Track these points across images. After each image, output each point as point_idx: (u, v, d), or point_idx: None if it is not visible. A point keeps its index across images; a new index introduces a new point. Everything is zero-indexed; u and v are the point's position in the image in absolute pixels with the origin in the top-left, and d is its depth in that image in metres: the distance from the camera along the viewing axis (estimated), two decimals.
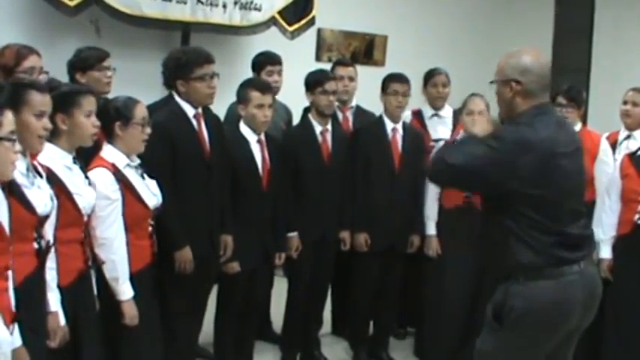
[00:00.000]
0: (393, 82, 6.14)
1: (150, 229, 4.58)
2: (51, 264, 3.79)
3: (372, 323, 6.45)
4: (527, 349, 4.02)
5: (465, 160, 3.93)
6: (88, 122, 4.10)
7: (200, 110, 5.14)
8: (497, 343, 4.05)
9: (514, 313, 3.94)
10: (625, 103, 6.31)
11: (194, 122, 5.10)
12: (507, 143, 3.91)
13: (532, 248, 3.92)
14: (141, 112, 4.51)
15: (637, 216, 5.59)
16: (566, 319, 3.99)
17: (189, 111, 5.09)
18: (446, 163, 3.98)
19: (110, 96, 5.06)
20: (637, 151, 5.78)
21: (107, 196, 4.26)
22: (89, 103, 4.12)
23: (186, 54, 5.18)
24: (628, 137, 6.26)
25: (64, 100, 4.01)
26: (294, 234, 5.79)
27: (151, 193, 4.55)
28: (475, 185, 4.06)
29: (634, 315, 5.56)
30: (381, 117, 6.23)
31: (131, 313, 4.35)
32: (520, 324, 3.95)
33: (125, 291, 4.34)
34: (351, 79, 6.66)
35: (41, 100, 3.68)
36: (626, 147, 6.12)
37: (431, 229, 6.19)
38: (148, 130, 4.54)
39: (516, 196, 3.88)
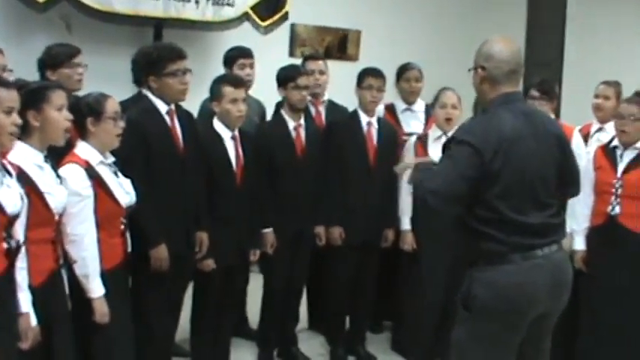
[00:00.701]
0: (369, 77, 6.14)
1: (122, 227, 4.54)
2: (21, 264, 3.75)
3: (348, 318, 6.44)
4: (498, 335, 4.04)
5: (444, 180, 3.95)
6: (59, 116, 4.08)
7: (173, 107, 5.11)
8: (469, 332, 4.09)
9: (478, 301, 4.00)
10: (596, 96, 6.34)
11: (167, 119, 5.07)
12: (461, 140, 3.99)
13: (489, 237, 3.98)
14: (112, 106, 4.48)
15: (610, 207, 5.63)
16: (530, 303, 4.01)
17: (162, 108, 5.06)
18: (430, 190, 3.96)
19: (81, 93, 5.02)
20: (610, 143, 5.82)
21: (78, 192, 4.22)
22: (59, 98, 4.10)
23: (157, 49, 5.16)
24: (599, 130, 6.29)
25: (33, 97, 3.99)
26: (269, 230, 5.78)
27: (124, 191, 4.53)
28: (468, 194, 3.97)
29: (607, 305, 5.59)
30: (355, 111, 6.23)
31: (102, 311, 4.32)
32: (485, 311, 3.99)
33: (95, 288, 4.30)
34: (322, 72, 6.65)
35: (8, 96, 3.65)
36: (598, 139, 6.15)
37: (406, 224, 6.21)
38: (122, 124, 4.52)
39: (482, 187, 3.93)
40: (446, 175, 3.95)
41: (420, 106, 6.77)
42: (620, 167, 5.68)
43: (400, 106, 6.78)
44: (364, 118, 6.16)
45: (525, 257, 3.99)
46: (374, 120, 6.19)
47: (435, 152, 6.04)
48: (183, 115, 5.23)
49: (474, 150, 3.90)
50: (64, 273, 4.18)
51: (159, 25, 7.51)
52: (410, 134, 6.47)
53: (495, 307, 3.97)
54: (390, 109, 6.77)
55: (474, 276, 4.04)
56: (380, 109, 6.54)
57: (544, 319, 4.14)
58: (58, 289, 4.13)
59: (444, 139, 6.02)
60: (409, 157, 4.66)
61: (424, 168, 4.25)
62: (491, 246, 3.98)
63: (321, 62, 6.74)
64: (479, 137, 3.94)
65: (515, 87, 4.19)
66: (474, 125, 4.12)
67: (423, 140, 6.20)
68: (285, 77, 5.90)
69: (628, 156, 5.68)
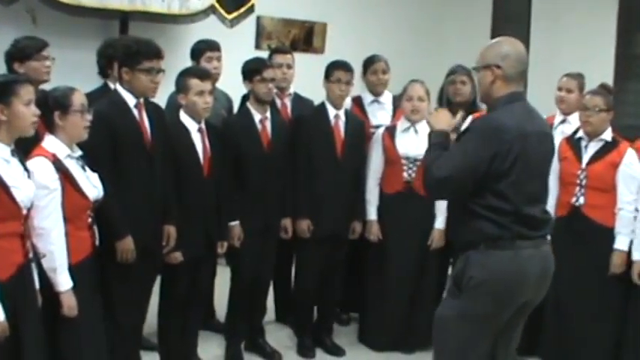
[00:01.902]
0: (337, 70, 6.15)
1: (89, 220, 4.54)
2: None
3: (315, 310, 6.46)
4: (484, 316, 4.22)
5: (455, 166, 4.11)
6: (27, 111, 4.06)
7: (142, 100, 5.10)
8: (457, 309, 4.27)
9: (473, 281, 4.18)
10: (559, 89, 6.37)
11: (135, 112, 5.06)
12: (484, 130, 4.16)
13: (493, 222, 4.15)
14: (79, 99, 4.47)
15: (574, 198, 5.70)
16: (520, 289, 4.22)
17: (131, 101, 5.05)
18: (438, 179, 4.15)
19: (48, 86, 5.01)
20: (574, 134, 5.87)
21: (46, 185, 4.21)
22: (27, 92, 4.08)
23: (138, 44, 5.12)
24: (563, 122, 6.32)
25: (1, 90, 3.98)
26: (235, 223, 5.77)
27: (91, 184, 4.52)
28: (473, 182, 4.13)
29: (571, 295, 5.65)
30: (323, 104, 6.24)
31: (70, 304, 4.31)
32: (478, 291, 4.17)
33: (63, 282, 4.29)
34: (289, 66, 6.65)
35: None
36: (562, 131, 6.19)
37: (372, 214, 6.26)
38: (89, 116, 4.51)
39: (494, 177, 4.10)
40: (456, 165, 4.11)
41: (387, 98, 6.80)
42: (585, 158, 5.74)
43: (367, 98, 6.80)
44: (332, 111, 6.17)
45: (523, 246, 4.19)
46: (341, 113, 6.20)
47: (403, 143, 6.11)
48: (152, 109, 5.22)
49: (490, 143, 4.08)
50: (34, 267, 4.17)
51: (125, 18, 7.50)
52: (377, 126, 6.50)
53: (490, 288, 4.16)
54: (358, 101, 6.79)
55: (472, 258, 4.21)
56: (347, 102, 6.55)
57: (525, 306, 4.35)
58: (28, 283, 4.11)
59: (411, 131, 6.10)
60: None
61: (437, 143, 4.37)
62: (494, 231, 4.15)
63: (288, 56, 6.74)
64: (496, 131, 4.11)
65: (522, 86, 4.42)
66: (492, 119, 4.26)
67: (390, 132, 6.24)
68: (251, 70, 5.88)
69: (593, 147, 5.75)
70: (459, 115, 4.76)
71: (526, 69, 4.40)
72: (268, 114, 5.93)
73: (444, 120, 4.49)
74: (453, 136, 4.88)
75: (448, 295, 4.46)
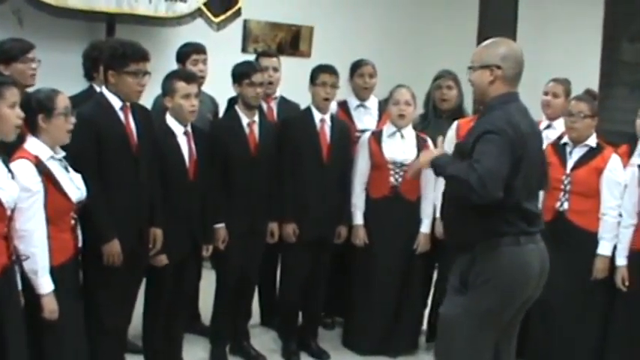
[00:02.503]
0: (322, 74, 6.15)
1: (73, 222, 4.54)
2: None
3: (300, 314, 6.46)
4: (491, 313, 4.32)
5: (490, 168, 4.10)
6: (12, 114, 4.07)
7: (128, 103, 5.09)
8: (464, 307, 4.35)
9: (480, 278, 4.30)
10: (546, 94, 6.39)
11: (121, 115, 5.05)
12: (497, 131, 4.20)
13: (501, 218, 4.26)
14: (63, 102, 4.47)
15: (558, 203, 5.72)
16: (526, 284, 4.37)
17: (116, 103, 5.04)
18: (481, 186, 4.07)
19: (33, 88, 5.00)
20: (559, 139, 5.89)
21: (28, 187, 4.19)
22: (12, 95, 4.08)
23: (124, 46, 5.11)
24: (548, 127, 6.33)
25: None
26: (221, 225, 5.77)
27: (75, 186, 4.51)
28: (506, 176, 4.17)
29: (555, 299, 5.66)
30: (309, 108, 6.24)
31: (50, 307, 4.30)
32: (486, 287, 4.29)
33: (44, 284, 4.28)
34: (276, 69, 6.64)
35: None
36: (547, 136, 6.20)
37: (358, 219, 6.27)
38: (72, 119, 4.50)
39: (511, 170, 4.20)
40: (497, 160, 4.13)
41: (372, 102, 6.79)
42: (570, 164, 5.76)
43: (353, 102, 6.79)
44: (317, 115, 6.17)
45: (527, 241, 4.34)
46: (327, 117, 6.20)
47: (389, 148, 6.12)
48: (140, 111, 5.21)
49: (509, 139, 4.18)
50: (17, 269, 4.16)
51: (111, 20, 7.49)
52: (363, 131, 6.50)
53: (498, 284, 4.28)
54: (343, 105, 6.78)
55: (479, 255, 4.32)
56: (333, 106, 6.56)
57: (525, 303, 4.47)
58: (11, 285, 4.10)
59: (397, 135, 6.11)
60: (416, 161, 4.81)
61: (445, 161, 4.44)
62: (503, 227, 4.28)
63: (275, 59, 6.73)
64: (508, 129, 4.21)
65: (517, 87, 4.51)
66: (498, 119, 4.28)
67: (377, 136, 6.25)
68: (240, 74, 5.89)
69: (577, 153, 5.77)
70: (440, 139, 4.83)
71: (522, 70, 4.47)
72: (256, 117, 5.93)
73: (430, 153, 4.66)
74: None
75: (452, 293, 4.51)
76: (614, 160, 5.74)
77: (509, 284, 4.30)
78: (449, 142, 6.10)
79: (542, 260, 4.43)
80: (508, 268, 4.28)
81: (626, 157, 6.01)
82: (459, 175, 4.20)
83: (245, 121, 5.87)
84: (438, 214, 6.11)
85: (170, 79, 5.46)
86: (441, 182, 5.21)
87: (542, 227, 4.49)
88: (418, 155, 5.97)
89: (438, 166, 4.43)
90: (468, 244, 4.40)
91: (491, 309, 4.32)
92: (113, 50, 5.08)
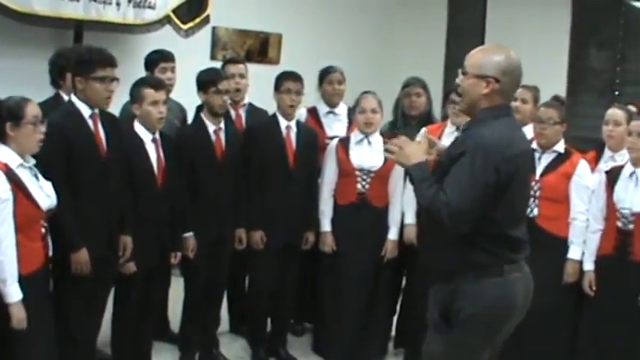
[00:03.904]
0: (286, 81, 6.16)
1: (43, 230, 4.50)
2: None
3: (269, 320, 6.45)
4: (478, 347, 4.10)
5: (468, 195, 3.84)
6: None
7: (97, 111, 5.07)
8: (448, 344, 4.08)
9: (463, 314, 4.00)
10: (515, 99, 6.41)
11: (90, 123, 5.04)
12: (482, 151, 3.86)
13: (483, 250, 3.97)
14: (32, 111, 4.43)
15: (528, 209, 5.71)
16: (511, 315, 4.10)
17: (86, 111, 5.02)
18: (445, 214, 3.83)
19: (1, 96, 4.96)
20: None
21: None
22: None
23: (91, 52, 5.10)
24: None
25: None
26: (190, 234, 5.76)
27: (44, 194, 4.48)
28: (483, 205, 3.88)
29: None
30: (274, 115, 6.24)
31: (19, 316, 4.26)
32: (470, 324, 4.00)
33: (12, 293, 4.25)
34: (242, 76, 6.64)
35: None
36: None
37: (326, 226, 6.26)
38: (42, 129, 4.47)
39: (491, 200, 3.89)
40: (468, 195, 3.83)
41: (342, 109, 6.80)
42: (539, 170, 5.77)
43: (323, 109, 6.80)
44: (283, 122, 6.17)
45: (510, 270, 4.04)
46: (293, 124, 6.20)
47: (357, 155, 6.12)
48: (108, 119, 5.20)
49: (491, 163, 3.84)
50: None
51: (79, 27, 7.44)
52: (332, 137, 6.49)
53: (481, 319, 4.00)
54: (313, 112, 6.80)
55: (460, 288, 4.01)
56: (302, 113, 6.56)
57: (508, 332, 4.23)
58: None
59: (365, 142, 6.11)
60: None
61: (419, 176, 4.02)
62: (483, 258, 3.98)
63: (241, 66, 6.72)
64: (492, 150, 3.87)
65: (510, 100, 4.27)
66: (483, 137, 3.92)
67: (344, 143, 6.25)
68: (205, 81, 5.87)
69: (546, 159, 5.79)
70: (422, 136, 4.58)
71: (520, 84, 4.21)
72: (222, 125, 5.92)
73: (416, 152, 4.14)
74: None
75: (434, 329, 4.17)
76: (583, 166, 5.77)
77: (494, 319, 4.04)
78: None
79: (526, 287, 4.15)
80: (492, 303, 3.98)
81: (594, 162, 6.08)
82: (427, 200, 3.92)
83: (211, 128, 5.87)
84: (406, 221, 6.13)
85: (138, 86, 5.44)
86: (409, 189, 5.21)
87: (527, 253, 4.18)
88: (385, 162, 6.00)
89: (414, 171, 4.04)
90: (446, 273, 4.08)
91: (476, 346, 4.08)
92: (80, 56, 5.07)
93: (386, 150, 4.29)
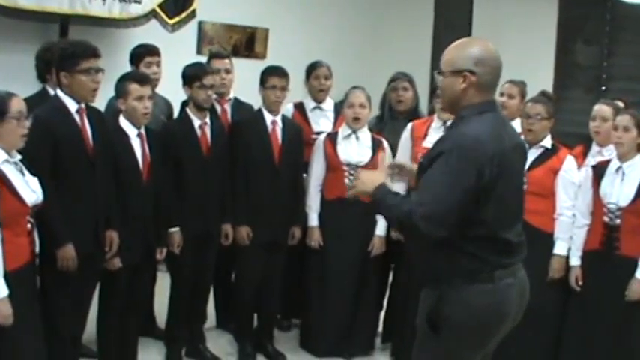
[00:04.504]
0: (272, 76, 6.15)
1: (29, 226, 4.47)
2: None
3: (256, 316, 6.45)
4: (467, 355, 3.91)
5: (443, 199, 3.64)
6: None
7: (83, 105, 5.05)
8: (436, 352, 3.89)
9: (452, 322, 3.78)
10: (501, 94, 6.39)
11: (77, 118, 5.02)
12: (461, 151, 3.66)
13: (472, 255, 3.74)
14: (17, 106, 4.38)
15: None
16: (504, 321, 3.89)
17: (72, 106, 5.00)
18: (417, 217, 3.63)
19: None
20: None
21: None
22: None
23: (73, 45, 5.08)
24: None
25: None
26: (175, 229, 5.75)
27: (30, 189, 4.45)
28: (464, 208, 3.65)
29: None
30: (260, 110, 6.23)
31: (5, 313, 4.22)
32: (459, 332, 3.80)
33: None
34: (228, 71, 6.63)
35: None
36: None
37: (313, 221, 6.28)
38: (27, 124, 4.44)
39: (475, 203, 3.68)
40: (444, 197, 3.63)
41: (329, 104, 6.80)
42: (525, 165, 5.77)
43: (309, 104, 6.80)
44: (268, 117, 6.17)
45: (502, 276, 3.81)
46: (278, 119, 6.20)
47: (344, 150, 6.12)
48: (94, 114, 5.17)
49: (473, 162, 3.64)
50: None
51: (65, 21, 7.41)
52: (319, 133, 6.50)
53: (470, 327, 3.79)
54: (299, 107, 6.80)
55: (447, 295, 3.78)
56: (288, 108, 6.55)
57: (501, 335, 4.03)
58: None
59: (353, 137, 6.11)
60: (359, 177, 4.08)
61: (384, 196, 3.83)
62: (471, 264, 3.76)
63: (226, 60, 6.71)
64: (475, 149, 3.66)
65: (494, 94, 4.01)
66: (464, 136, 3.73)
67: (332, 138, 6.25)
68: (191, 76, 5.87)
69: (533, 154, 5.78)
70: (382, 155, 4.42)
71: (500, 74, 3.94)
72: (208, 119, 5.91)
73: (373, 178, 3.95)
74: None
75: (422, 337, 3.94)
76: (569, 161, 5.78)
77: (484, 328, 3.83)
78: (404, 143, 6.14)
79: (521, 291, 3.94)
80: (481, 311, 3.77)
81: (581, 158, 6.08)
82: (398, 214, 3.74)
83: (197, 123, 5.86)
84: None
85: (123, 81, 5.42)
86: (398, 186, 5.19)
87: (523, 255, 3.98)
88: (373, 157, 6.00)
89: (376, 195, 3.85)
90: (433, 279, 3.86)
91: (465, 354, 3.88)
92: (63, 51, 5.04)
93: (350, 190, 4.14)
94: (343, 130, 6.25)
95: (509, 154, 3.79)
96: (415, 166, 4.28)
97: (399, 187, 4.35)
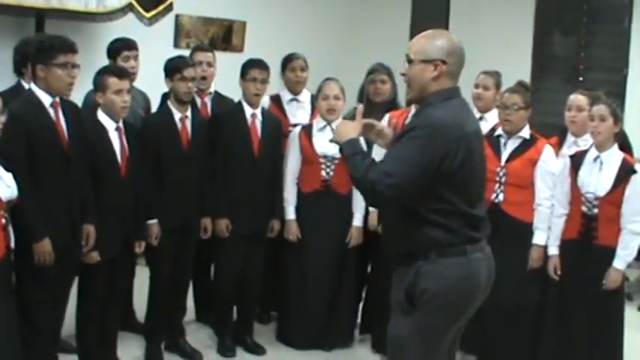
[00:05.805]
0: (252, 69, 6.14)
1: (3, 221, 4.47)
2: None
3: (235, 309, 6.44)
4: (443, 328, 4.07)
5: (404, 171, 3.83)
6: None
7: (57, 99, 5.03)
8: (413, 325, 4.04)
9: (427, 294, 3.96)
10: (476, 86, 6.41)
11: (51, 112, 4.99)
12: (428, 130, 3.88)
13: (443, 228, 3.95)
14: None
15: (494, 195, 5.74)
16: (475, 295, 4.09)
17: (46, 100, 4.97)
18: (384, 185, 3.81)
19: None
20: (492, 131, 5.92)
21: None
22: None
23: (50, 39, 5.07)
24: (480, 119, 6.34)
25: None
26: (153, 221, 5.73)
27: (5, 184, 4.45)
28: (422, 187, 3.88)
29: (492, 290, 5.69)
30: (239, 103, 6.23)
31: None
32: (434, 304, 3.97)
33: None
34: (210, 64, 6.63)
35: None
36: None
37: (290, 214, 6.29)
38: (2, 119, 4.43)
39: (441, 179, 3.90)
40: (406, 171, 3.83)
41: (305, 96, 6.81)
42: (504, 155, 5.79)
43: (286, 96, 6.81)
44: (248, 110, 6.16)
45: (473, 249, 4.03)
46: (258, 111, 6.20)
47: (319, 142, 6.12)
48: (69, 108, 5.15)
49: (437, 139, 3.85)
50: None
51: (41, 15, 7.39)
52: (296, 125, 6.51)
53: (446, 299, 3.98)
54: (276, 99, 6.80)
55: (423, 269, 3.98)
56: (265, 100, 6.55)
57: (473, 309, 4.20)
58: None
59: (328, 129, 6.11)
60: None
61: (354, 153, 3.99)
62: (444, 237, 3.97)
63: (209, 54, 6.71)
64: (442, 130, 3.89)
65: (457, 82, 4.18)
66: (434, 117, 3.95)
67: (307, 131, 6.26)
68: (172, 68, 5.85)
69: (512, 144, 5.80)
70: (360, 109, 4.49)
71: (464, 64, 4.16)
72: (189, 113, 5.90)
73: (348, 129, 4.12)
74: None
75: (398, 311, 4.13)
76: (548, 151, 5.80)
77: (458, 298, 4.01)
78: None
79: (488, 268, 4.14)
80: (455, 282, 3.97)
81: (558, 148, 6.10)
82: (360, 173, 3.90)
83: (177, 116, 5.84)
84: (370, 208, 6.12)
85: (101, 74, 5.40)
86: (379, 151, 5.20)
87: (488, 232, 4.18)
88: None
89: (346, 147, 4.03)
90: (409, 256, 4.04)
91: (441, 327, 4.05)
92: (40, 44, 5.03)
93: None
94: (318, 122, 6.27)
95: (472, 137, 4.04)
96: (391, 131, 4.43)
97: (379, 152, 4.44)
